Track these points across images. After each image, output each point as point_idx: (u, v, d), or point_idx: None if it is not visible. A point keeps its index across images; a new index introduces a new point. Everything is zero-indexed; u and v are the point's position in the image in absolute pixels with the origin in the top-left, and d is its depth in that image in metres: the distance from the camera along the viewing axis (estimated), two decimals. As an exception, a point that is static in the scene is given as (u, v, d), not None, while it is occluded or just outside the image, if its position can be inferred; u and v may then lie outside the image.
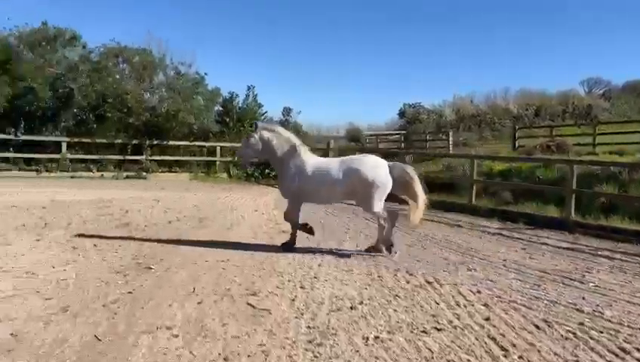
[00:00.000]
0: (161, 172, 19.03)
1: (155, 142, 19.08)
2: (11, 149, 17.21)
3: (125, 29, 51.61)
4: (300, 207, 7.37)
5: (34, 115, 17.85)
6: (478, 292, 5.33)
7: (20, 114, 17.69)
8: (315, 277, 5.73)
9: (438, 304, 4.91)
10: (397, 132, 34.01)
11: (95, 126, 18.40)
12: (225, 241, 7.63)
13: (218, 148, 20.13)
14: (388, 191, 7.00)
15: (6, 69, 17.38)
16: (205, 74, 21.25)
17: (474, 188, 12.02)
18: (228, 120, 21.61)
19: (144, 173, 18.45)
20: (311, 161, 7.22)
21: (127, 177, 18.06)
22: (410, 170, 7.18)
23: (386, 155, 22.57)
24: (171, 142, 19.59)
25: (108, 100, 18.06)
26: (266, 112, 23.75)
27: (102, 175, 17.91)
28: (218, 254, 6.78)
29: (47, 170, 17.29)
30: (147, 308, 4.54)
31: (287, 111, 30.95)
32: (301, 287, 5.34)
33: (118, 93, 18.10)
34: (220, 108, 22.49)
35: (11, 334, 3.86)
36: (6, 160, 17.00)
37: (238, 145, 19.98)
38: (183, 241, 7.49)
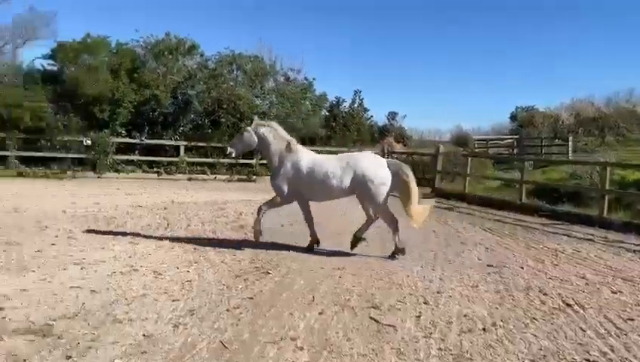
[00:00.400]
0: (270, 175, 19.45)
1: (263, 146, 19.57)
2: (136, 152, 18.50)
3: (238, 38, 54.11)
4: (308, 204, 7.34)
5: (156, 120, 19.08)
6: (630, 319, 4.67)
7: (144, 119, 18.99)
8: (439, 292, 5.37)
9: (584, 331, 4.35)
10: (508, 136, 32.25)
11: (210, 131, 19.25)
12: (338, 247, 7.48)
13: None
14: (388, 187, 6.90)
15: (133, 77, 18.75)
16: (313, 79, 21.53)
17: (606, 198, 10.87)
18: (334, 124, 21.69)
19: (254, 177, 18.99)
20: (308, 157, 7.15)
21: (239, 180, 18.69)
22: (407, 168, 7.09)
23: (498, 162, 21.51)
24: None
25: (222, 106, 18.84)
26: (371, 117, 23.58)
27: (215, 177, 18.68)
28: (333, 261, 6.64)
29: (166, 173, 18.37)
30: (269, 316, 4.47)
31: (392, 115, 30.65)
32: (425, 303, 5.01)
33: (232, 99, 18.80)
34: (327, 113, 22.63)
35: (144, 335, 3.94)
36: (131, 162, 18.30)
37: (344, 149, 20.19)
38: (298, 246, 7.45)
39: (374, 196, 6.86)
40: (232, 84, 19.43)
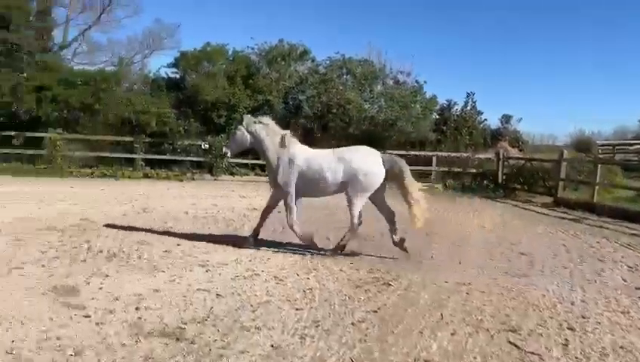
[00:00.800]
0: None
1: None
2: (250, 156, 19.11)
3: (348, 41, 54.38)
4: (294, 201, 7.08)
5: (268, 125, 19.62)
6: None
7: (257, 124, 19.60)
8: (584, 317, 4.79)
9: None
10: (638, 142, 29.23)
11: (319, 135, 19.43)
12: (460, 260, 7.04)
13: (434, 158, 19.59)
14: (380, 181, 6.85)
15: (248, 83, 19.45)
16: (424, 82, 20.97)
17: None
18: (445, 128, 20.92)
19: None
20: (302, 152, 7.03)
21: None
22: (402, 162, 7.00)
23: (626, 169, 19.48)
24: (388, 152, 19.67)
25: (332, 110, 18.93)
26: (485, 120, 22.45)
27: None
28: (456, 275, 6.23)
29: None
30: (398, 333, 4.22)
31: (505, 118, 28.93)
32: (569, 329, 4.47)
33: (341, 103, 18.83)
34: (437, 117, 21.91)
35: (272, 346, 3.87)
36: (245, 165, 18.95)
37: (455, 154, 19.39)
38: (415, 257, 7.12)
39: (362, 190, 6.78)
40: (341, 88, 19.46)
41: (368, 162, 6.85)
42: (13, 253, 6.31)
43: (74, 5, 24.52)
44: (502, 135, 27.34)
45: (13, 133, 17.46)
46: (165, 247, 7.06)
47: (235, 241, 7.43)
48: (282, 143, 7.06)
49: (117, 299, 4.77)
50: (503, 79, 63.00)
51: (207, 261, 6.39)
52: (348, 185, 6.84)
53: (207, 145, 18.26)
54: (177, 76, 20.44)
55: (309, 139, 19.45)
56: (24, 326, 4.00)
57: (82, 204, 10.68)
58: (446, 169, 19.00)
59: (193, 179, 17.77)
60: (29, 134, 17.56)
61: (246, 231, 8.60)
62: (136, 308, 4.55)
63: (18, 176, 15.50)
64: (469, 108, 21.60)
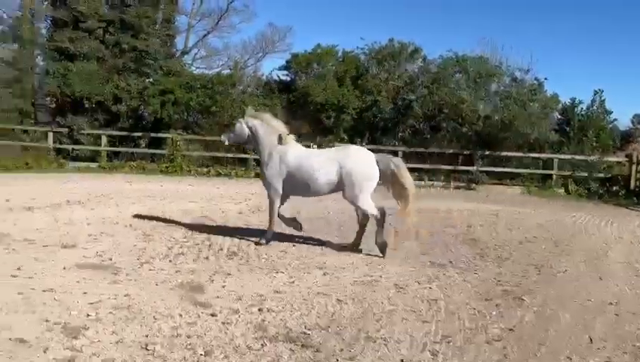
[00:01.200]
0: (491, 184, 18.22)
1: (487, 153, 18.40)
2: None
3: (462, 38, 52.32)
4: (279, 198, 7.11)
5: (377, 125, 19.37)
6: None
7: (365, 125, 19.43)
8: None
9: None
10: None
11: (429, 136, 18.82)
12: (601, 276, 6.31)
13: (555, 161, 18.18)
14: (375, 182, 6.77)
15: (357, 84, 19.33)
16: (545, 79, 19.50)
17: None
18: (568, 129, 19.34)
19: (473, 185, 17.96)
20: (296, 151, 7.02)
21: (456, 188, 17.88)
22: (398, 161, 7.00)
23: None
24: (503, 153, 18.59)
25: (443, 110, 18.24)
26: (615, 120, 20.49)
27: (432, 184, 18.17)
28: (598, 290, 5.59)
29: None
30: (542, 357, 3.78)
31: (638, 118, 26.38)
32: None
33: (454, 102, 18.09)
34: (559, 116, 20.33)
35: (401, 361, 3.61)
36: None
37: (579, 157, 17.85)
38: (545, 268, 6.50)
39: (358, 191, 6.65)
40: (453, 86, 18.69)
41: (360, 162, 6.76)
42: (143, 248, 6.64)
43: (195, 13, 25.96)
44: (631, 136, 24.85)
45: (140, 134, 18.86)
46: (282, 247, 7.06)
47: (344, 245, 7.26)
48: (278, 142, 7.11)
49: (240, 299, 4.78)
50: (636, 76, 57.22)
51: (325, 263, 6.29)
52: (344, 186, 6.76)
53: (315, 147, 18.42)
54: (288, 78, 20.86)
55: (417, 139, 19.01)
56: (156, 322, 4.09)
57: (201, 201, 11.15)
58: (569, 173, 17.57)
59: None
60: (153, 135, 18.86)
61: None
62: (259, 309, 4.51)
63: (143, 174, 16.65)
64: (595, 107, 19.81)
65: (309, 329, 4.09)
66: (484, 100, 18.94)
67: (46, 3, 20.94)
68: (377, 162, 6.82)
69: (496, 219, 10.86)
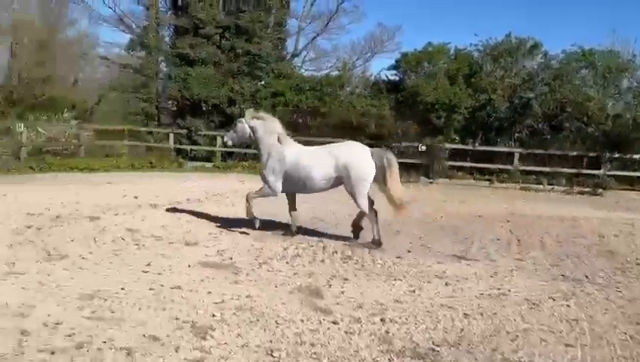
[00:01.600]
0: (621, 189, 16.54)
1: (616, 155, 16.74)
2: (468, 159, 18.20)
3: (589, 31, 48.24)
4: (273, 194, 7.47)
5: (491, 125, 18.43)
6: None
7: (478, 125, 18.55)
8: None
9: None
10: None
11: (549, 136, 17.54)
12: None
13: (699, 165, 16.14)
14: (372, 176, 6.97)
15: (470, 82, 18.49)
16: (687, 73, 17.42)
17: None
18: None
19: (599, 190, 16.41)
20: (293, 152, 7.24)
21: (580, 193, 16.45)
22: (390, 155, 7.24)
23: None
24: (636, 156, 16.81)
25: (566, 109, 16.90)
26: None
27: (552, 188, 16.89)
28: None
29: (498, 181, 17.48)
30: None
31: None
32: None
33: (578, 100, 16.68)
34: None
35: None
36: (462, 168, 18.08)
37: None
38: None
39: (355, 186, 6.89)
40: (578, 83, 17.26)
41: (355, 157, 6.98)
42: (260, 248, 6.73)
43: (305, 16, 26.42)
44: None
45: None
46: (396, 252, 6.84)
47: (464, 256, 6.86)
48: (277, 140, 7.36)
49: (360, 307, 4.61)
50: None
51: (444, 272, 5.95)
52: (343, 181, 7.03)
53: (424, 147, 17.91)
54: (397, 78, 20.49)
55: (535, 140, 17.79)
56: (279, 327, 4.05)
57: (310, 202, 11.18)
58: None
59: (409, 181, 17.52)
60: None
61: (476, 242, 7.95)
62: (382, 320, 4.31)
63: (255, 174, 17.10)
64: None
65: (437, 346, 3.81)
66: (614, 97, 17.33)
67: (169, 12, 22.41)
68: (372, 156, 7.06)
69: (632, 228, 9.73)
